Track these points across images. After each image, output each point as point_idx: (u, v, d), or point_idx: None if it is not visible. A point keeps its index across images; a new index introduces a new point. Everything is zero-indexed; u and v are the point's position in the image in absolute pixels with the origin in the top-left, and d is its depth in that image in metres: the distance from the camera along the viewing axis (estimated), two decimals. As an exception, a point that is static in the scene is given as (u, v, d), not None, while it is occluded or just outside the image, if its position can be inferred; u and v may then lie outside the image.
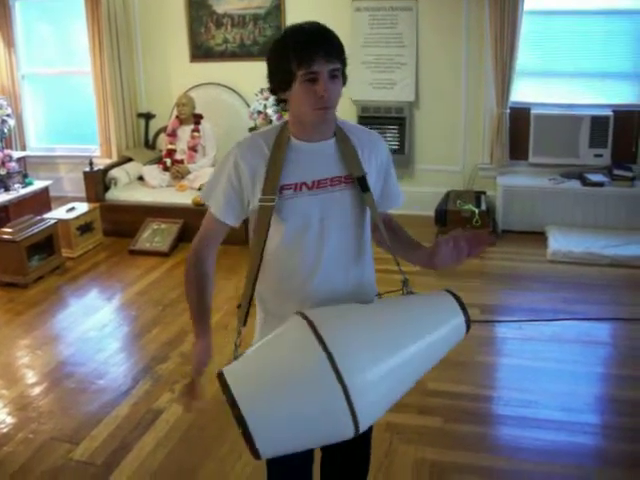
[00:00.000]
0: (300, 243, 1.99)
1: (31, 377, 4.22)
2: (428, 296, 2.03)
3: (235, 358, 1.83)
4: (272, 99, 6.25)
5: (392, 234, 2.21)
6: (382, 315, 1.90)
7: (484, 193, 6.72)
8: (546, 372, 4.05)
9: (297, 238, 1.99)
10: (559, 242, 5.92)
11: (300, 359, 1.74)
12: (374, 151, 2.11)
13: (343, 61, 1.94)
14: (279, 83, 1.94)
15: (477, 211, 6.23)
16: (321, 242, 2.00)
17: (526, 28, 6.40)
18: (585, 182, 6.29)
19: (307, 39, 1.88)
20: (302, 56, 1.85)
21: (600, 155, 6.41)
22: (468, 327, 1.96)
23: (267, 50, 1.98)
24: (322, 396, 1.70)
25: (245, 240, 2.13)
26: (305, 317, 1.80)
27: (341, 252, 2.04)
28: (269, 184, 1.94)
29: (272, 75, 1.97)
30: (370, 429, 2.22)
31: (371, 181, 2.05)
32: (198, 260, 2.06)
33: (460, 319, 1.95)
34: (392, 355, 1.80)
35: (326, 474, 2.41)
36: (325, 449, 2.30)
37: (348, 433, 1.75)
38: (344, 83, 1.98)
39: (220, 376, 1.74)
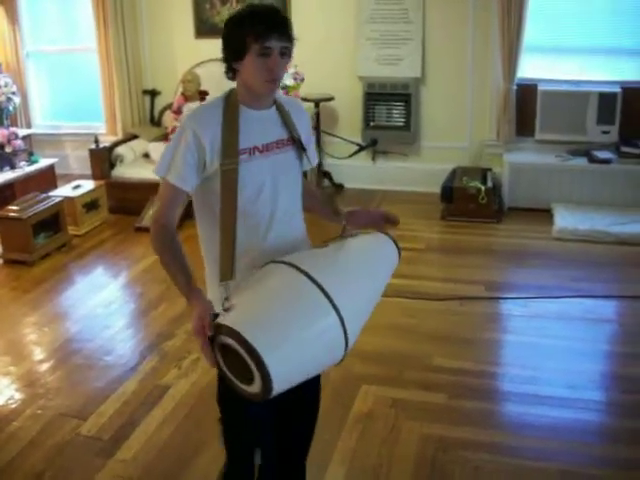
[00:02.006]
0: (257, 202, 2.17)
1: (39, 354, 4.25)
2: (371, 237, 2.34)
3: (226, 310, 1.90)
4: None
5: (312, 193, 2.52)
6: (346, 254, 2.20)
7: (490, 170, 6.70)
8: (551, 349, 4.05)
9: (254, 198, 2.16)
10: (565, 219, 5.91)
11: (295, 294, 1.92)
12: (301, 117, 2.37)
13: (292, 42, 2.16)
14: (232, 53, 2.12)
15: (483, 188, 6.21)
16: (274, 200, 2.20)
17: (534, 3, 6.34)
18: (592, 159, 6.25)
19: (264, 17, 2.09)
20: (259, 31, 2.05)
21: (607, 132, 6.36)
22: (399, 254, 2.32)
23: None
24: (323, 323, 1.89)
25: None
26: (283, 262, 2.02)
27: (290, 207, 2.27)
28: (228, 149, 2.11)
29: (226, 44, 2.14)
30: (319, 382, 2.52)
31: (303, 140, 2.31)
32: (163, 227, 2.13)
33: (395, 252, 2.31)
34: (362, 284, 2.08)
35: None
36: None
37: (340, 356, 1.99)
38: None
39: (221, 327, 1.82)
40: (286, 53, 2.12)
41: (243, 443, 2.41)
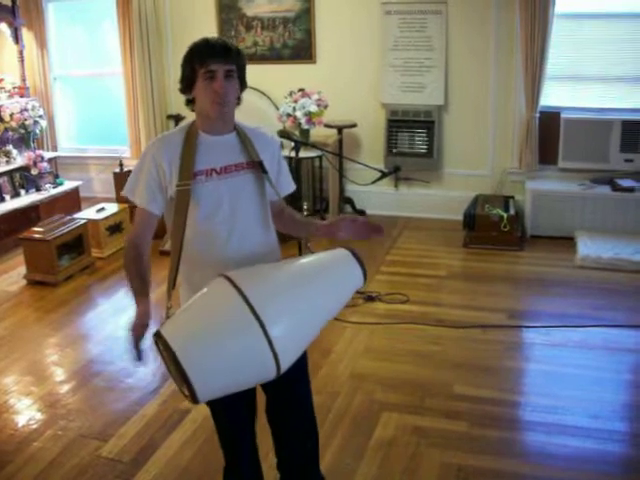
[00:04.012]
0: (214, 220, 2.35)
1: (60, 375, 4.28)
2: (330, 252, 2.30)
3: (167, 317, 2.15)
4: (301, 102, 6.29)
5: (290, 218, 2.63)
6: (292, 269, 2.21)
7: (513, 198, 6.69)
8: (573, 378, 4.02)
9: (211, 216, 2.34)
10: (588, 247, 5.88)
11: (224, 309, 2.03)
12: (268, 145, 2.51)
13: (240, 66, 2.33)
14: (186, 83, 2.34)
15: (506, 215, 6.20)
16: (232, 217, 2.36)
17: (556, 31, 6.36)
18: (615, 187, 6.23)
19: (207, 45, 2.28)
20: (202, 57, 2.25)
21: (631, 160, 6.35)
22: (365, 277, 2.24)
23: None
24: (247, 339, 1.96)
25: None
26: (224, 276, 2.10)
27: (248, 224, 2.41)
28: (184, 171, 2.30)
29: (182, 77, 2.35)
30: (308, 392, 2.61)
31: (266, 167, 2.44)
32: (133, 246, 2.37)
33: (358, 271, 2.23)
34: (303, 301, 2.09)
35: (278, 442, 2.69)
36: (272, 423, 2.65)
37: (272, 373, 2.02)
38: (243, 88, 2.40)
39: (157, 334, 2.02)
40: (232, 76, 2.29)
41: (224, 442, 2.63)
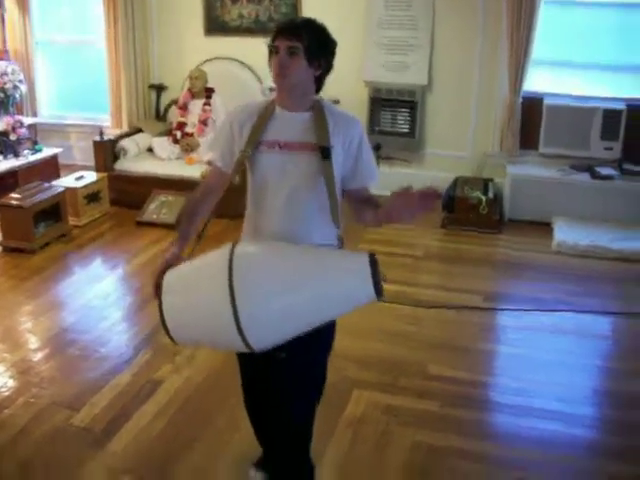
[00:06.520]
0: (264, 189, 2.41)
1: (34, 342, 4.26)
2: (347, 254, 2.28)
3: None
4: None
5: (366, 204, 2.45)
6: (297, 258, 2.18)
7: (492, 180, 6.71)
8: (544, 362, 4.06)
9: (263, 184, 2.42)
10: (565, 234, 5.92)
11: (209, 278, 2.15)
12: (346, 130, 2.44)
13: (310, 46, 2.34)
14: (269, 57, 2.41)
15: (484, 198, 6.22)
16: (280, 194, 2.38)
17: (543, 17, 6.35)
18: (594, 175, 6.27)
19: (283, 22, 2.41)
20: (274, 32, 2.36)
21: (610, 148, 6.38)
22: (379, 291, 2.10)
23: (272, 28, 2.47)
24: (216, 311, 2.08)
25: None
26: (232, 246, 2.17)
27: (299, 206, 2.39)
28: (250, 140, 2.39)
29: None
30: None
31: (336, 154, 2.37)
32: (198, 191, 2.58)
33: (369, 285, 2.08)
34: (288, 293, 2.08)
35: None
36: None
37: (242, 348, 2.14)
38: (323, 69, 2.45)
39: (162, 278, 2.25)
40: (295, 53, 2.31)
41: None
